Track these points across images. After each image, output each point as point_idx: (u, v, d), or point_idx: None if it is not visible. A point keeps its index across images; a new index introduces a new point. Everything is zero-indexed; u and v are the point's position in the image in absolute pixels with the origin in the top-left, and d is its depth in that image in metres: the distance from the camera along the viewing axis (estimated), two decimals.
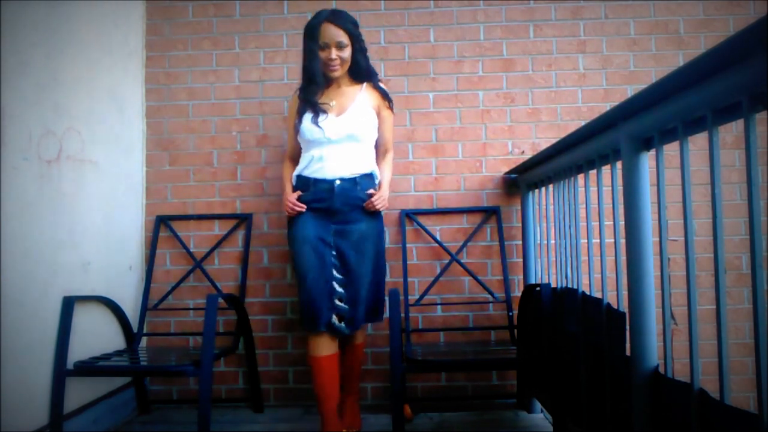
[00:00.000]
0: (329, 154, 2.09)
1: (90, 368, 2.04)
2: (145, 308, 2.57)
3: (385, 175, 2.22)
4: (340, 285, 2.03)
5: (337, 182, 2.07)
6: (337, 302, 2.02)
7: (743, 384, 2.29)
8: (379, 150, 2.23)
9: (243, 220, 2.68)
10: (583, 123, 1.61)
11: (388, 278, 2.46)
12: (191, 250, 2.67)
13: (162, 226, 2.69)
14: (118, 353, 2.25)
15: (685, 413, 1.06)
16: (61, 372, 1.99)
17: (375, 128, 2.17)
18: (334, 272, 2.03)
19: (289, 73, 2.72)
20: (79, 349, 2.11)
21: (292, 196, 2.11)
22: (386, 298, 2.19)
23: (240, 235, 2.68)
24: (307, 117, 2.10)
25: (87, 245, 2.22)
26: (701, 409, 1.02)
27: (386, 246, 2.45)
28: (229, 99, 2.73)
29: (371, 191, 2.13)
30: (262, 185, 2.70)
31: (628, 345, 1.30)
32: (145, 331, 2.56)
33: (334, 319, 2.00)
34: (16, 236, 1.83)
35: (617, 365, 1.38)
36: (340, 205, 2.06)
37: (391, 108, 2.23)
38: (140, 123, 2.72)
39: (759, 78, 0.83)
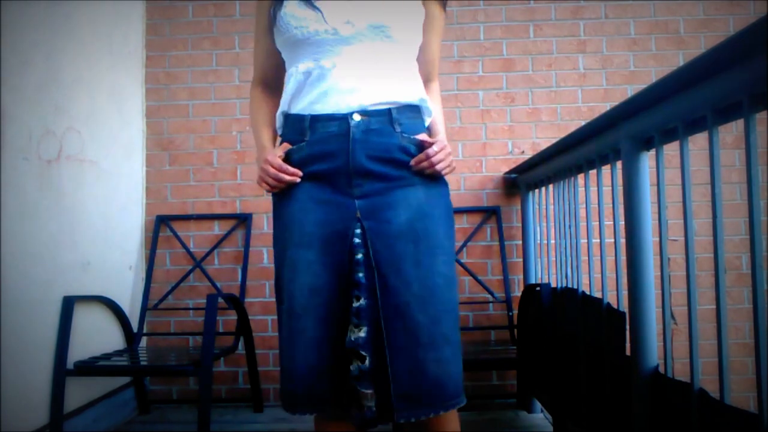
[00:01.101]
0: (338, 65, 1.16)
1: (90, 368, 2.03)
2: (145, 308, 2.56)
3: (439, 119, 1.34)
4: (357, 327, 1.10)
5: (356, 118, 1.15)
6: (356, 366, 1.09)
7: (743, 384, 2.29)
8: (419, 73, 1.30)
9: (243, 220, 2.68)
10: (583, 123, 1.61)
11: None
12: (191, 250, 2.66)
13: (162, 226, 2.69)
14: (118, 353, 2.25)
15: (685, 413, 1.06)
16: (61, 372, 1.99)
17: (419, 24, 1.26)
18: (355, 303, 1.11)
19: None
20: (79, 349, 2.11)
21: (272, 155, 1.20)
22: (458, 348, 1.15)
23: (240, 235, 2.68)
24: None
25: (87, 245, 2.22)
26: (701, 409, 1.02)
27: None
28: (229, 99, 2.73)
29: (423, 136, 1.20)
30: None
31: (628, 345, 1.30)
32: (145, 331, 2.56)
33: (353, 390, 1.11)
34: (16, 236, 1.83)
35: (617, 365, 1.38)
36: (363, 161, 1.14)
37: (443, 7, 1.34)
38: (140, 123, 2.71)
39: (759, 78, 0.83)
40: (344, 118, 1.15)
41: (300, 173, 1.18)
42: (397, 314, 1.08)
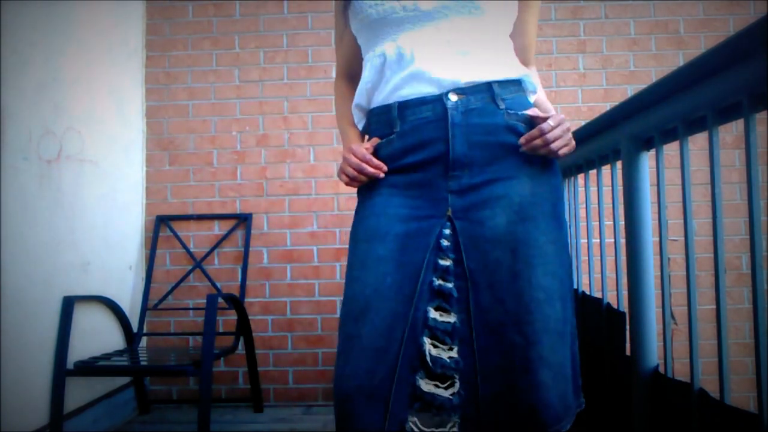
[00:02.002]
0: (422, 44, 1.01)
1: (90, 368, 2.03)
2: (145, 308, 2.56)
3: (541, 94, 1.15)
4: (444, 340, 0.95)
5: (452, 98, 1.00)
6: (430, 386, 0.94)
7: (743, 384, 2.29)
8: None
9: (243, 220, 2.68)
10: (583, 123, 1.61)
11: None
12: (191, 250, 2.66)
13: (162, 226, 2.69)
14: (118, 353, 2.25)
15: (685, 413, 1.06)
16: (61, 372, 1.99)
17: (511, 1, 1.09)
18: (435, 314, 0.96)
19: (289, 73, 2.72)
20: (79, 349, 2.11)
21: (360, 147, 1.05)
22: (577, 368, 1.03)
23: (240, 235, 2.68)
24: None
25: (87, 245, 2.22)
26: (701, 409, 1.02)
27: None
28: (229, 99, 2.73)
29: (533, 111, 1.04)
30: (262, 185, 2.70)
31: (628, 345, 1.30)
32: (145, 331, 2.56)
33: (414, 424, 0.93)
34: (16, 236, 1.83)
35: (617, 365, 1.38)
36: (465, 148, 0.99)
37: None
38: (140, 123, 2.71)
39: (759, 78, 0.83)
40: (438, 99, 0.99)
41: (385, 167, 1.03)
42: (490, 335, 0.94)
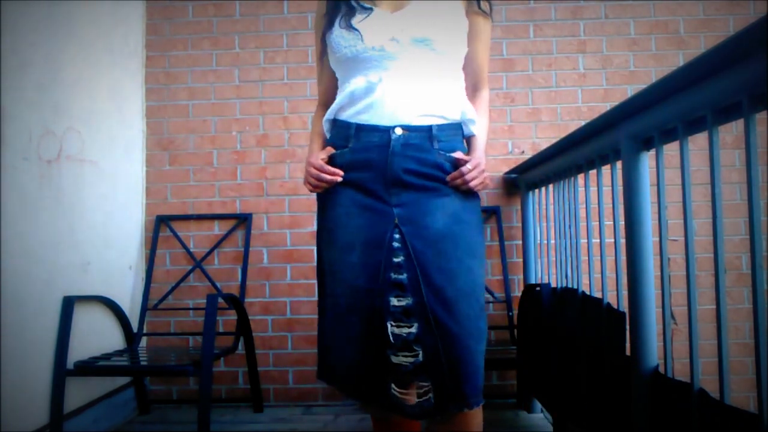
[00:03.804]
0: (385, 79, 1.24)
1: (90, 368, 2.03)
2: (145, 308, 2.57)
3: (480, 131, 1.34)
4: (405, 324, 1.16)
5: (397, 132, 1.23)
6: (399, 358, 1.15)
7: (743, 384, 2.29)
8: (466, 83, 1.37)
9: (243, 220, 2.68)
10: (583, 123, 1.61)
11: None
12: (191, 250, 2.66)
13: (162, 226, 2.69)
14: (118, 353, 2.25)
15: (685, 413, 1.06)
16: (61, 372, 1.99)
17: (463, 36, 1.32)
18: (394, 301, 1.16)
19: (289, 73, 2.72)
20: (79, 349, 2.11)
21: (314, 157, 1.30)
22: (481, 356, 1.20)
23: (240, 235, 2.68)
24: (340, 20, 1.29)
25: (87, 245, 2.22)
26: (701, 409, 1.02)
27: None
28: (229, 99, 2.73)
29: (458, 154, 1.26)
30: (262, 185, 2.70)
31: (628, 345, 1.30)
32: (145, 331, 2.56)
33: (394, 389, 1.17)
34: (16, 236, 1.83)
35: (617, 365, 1.38)
36: (400, 173, 1.22)
37: (488, 14, 1.36)
38: (140, 123, 2.71)
39: (759, 78, 0.83)
40: (386, 131, 1.24)
41: (340, 173, 1.27)
42: (446, 308, 1.15)
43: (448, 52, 1.27)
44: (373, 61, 1.25)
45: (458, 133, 1.30)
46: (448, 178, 1.24)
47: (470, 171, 1.23)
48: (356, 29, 1.25)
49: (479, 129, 1.34)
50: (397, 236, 1.19)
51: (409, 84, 1.24)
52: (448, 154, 1.25)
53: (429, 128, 1.24)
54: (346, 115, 1.29)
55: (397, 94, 1.24)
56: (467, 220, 1.23)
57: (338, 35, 1.28)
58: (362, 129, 1.26)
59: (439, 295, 1.15)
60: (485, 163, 1.29)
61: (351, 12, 1.28)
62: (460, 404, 1.13)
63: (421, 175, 1.22)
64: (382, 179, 1.23)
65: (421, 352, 1.14)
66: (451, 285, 1.16)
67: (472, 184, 1.24)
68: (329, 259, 1.27)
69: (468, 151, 1.33)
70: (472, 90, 1.38)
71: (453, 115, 1.28)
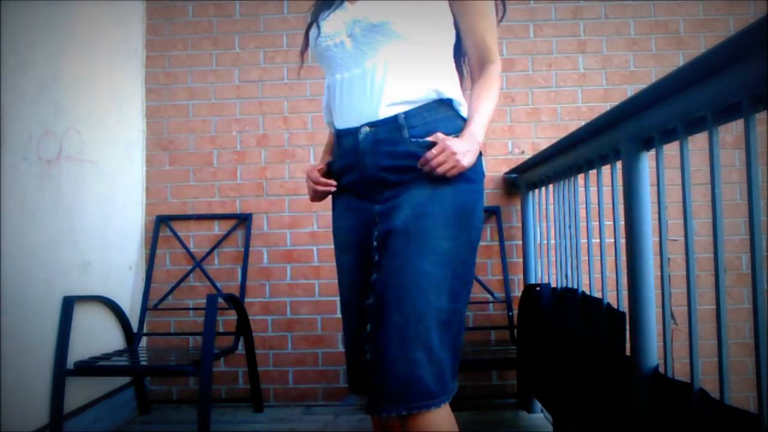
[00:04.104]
0: (347, 77, 1.21)
1: (90, 368, 2.03)
2: (145, 308, 2.57)
3: (478, 104, 1.21)
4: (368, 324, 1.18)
5: (364, 131, 1.18)
6: (370, 354, 1.15)
7: (743, 384, 2.29)
8: (470, 63, 1.28)
9: (243, 220, 2.68)
10: (583, 123, 1.61)
11: None
12: (191, 250, 2.66)
13: (162, 226, 2.69)
14: (118, 353, 2.25)
15: (685, 413, 1.06)
16: (61, 372, 1.99)
17: (437, 13, 1.21)
18: (370, 299, 1.19)
19: (289, 73, 2.72)
20: (79, 349, 2.11)
21: (310, 168, 1.31)
22: (449, 357, 1.12)
23: (240, 235, 2.68)
24: (313, 18, 1.28)
25: (87, 245, 2.22)
26: (701, 409, 1.02)
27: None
28: (229, 99, 2.73)
29: (436, 135, 1.16)
30: (262, 185, 2.70)
31: (628, 345, 1.30)
32: (145, 331, 2.56)
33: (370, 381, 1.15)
34: (16, 236, 1.83)
35: (617, 365, 1.38)
36: (376, 172, 1.18)
37: None
38: (140, 123, 2.71)
39: (759, 78, 0.83)
40: (355, 132, 1.19)
41: (333, 183, 1.27)
42: (379, 312, 1.10)
43: (412, 33, 1.16)
44: (336, 59, 1.21)
45: (440, 114, 1.18)
46: (419, 163, 1.14)
47: (435, 155, 1.11)
48: (319, 26, 1.23)
49: (473, 107, 1.21)
50: (375, 234, 1.18)
51: (370, 76, 1.17)
52: (422, 140, 1.15)
53: (394, 118, 1.16)
54: (333, 119, 1.28)
55: (359, 90, 1.18)
56: (432, 213, 1.12)
57: (311, 33, 1.27)
58: (340, 134, 1.24)
59: (378, 296, 1.11)
60: (480, 143, 1.16)
61: (320, 9, 1.26)
62: (377, 408, 1.07)
63: (396, 170, 1.16)
64: (362, 181, 1.20)
65: (368, 352, 1.14)
66: (387, 289, 1.10)
67: (440, 169, 1.11)
68: (336, 261, 1.31)
69: (464, 130, 1.18)
70: (479, 67, 1.25)
71: (425, 96, 1.17)
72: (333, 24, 1.21)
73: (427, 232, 1.11)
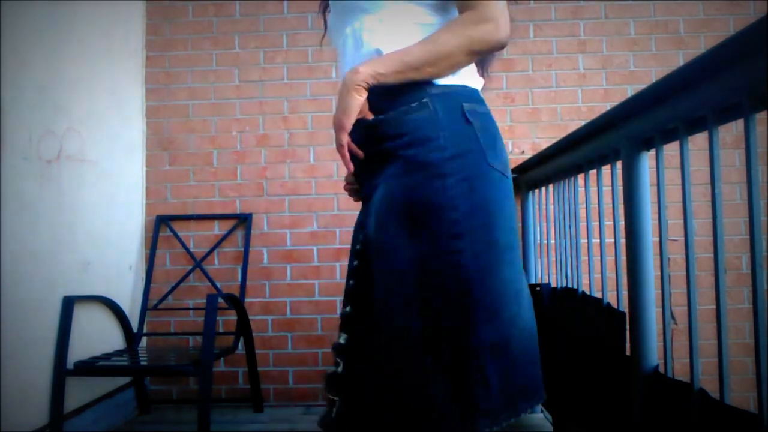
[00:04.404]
0: (341, 48, 1.09)
1: (90, 368, 2.03)
2: (145, 308, 2.56)
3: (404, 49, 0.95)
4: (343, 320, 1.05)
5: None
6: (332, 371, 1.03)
7: (743, 384, 2.29)
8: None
9: (243, 220, 2.68)
10: (583, 123, 1.61)
11: None
12: (191, 250, 2.66)
13: (162, 226, 2.69)
14: (118, 353, 2.25)
15: (685, 413, 1.06)
16: (61, 372, 1.99)
17: None
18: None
19: (289, 73, 2.72)
20: (79, 349, 2.11)
21: (348, 175, 1.16)
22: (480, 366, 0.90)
23: (240, 235, 2.68)
24: None
25: (87, 245, 2.22)
26: (701, 409, 1.02)
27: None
28: (229, 99, 2.73)
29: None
30: (262, 185, 2.70)
31: (628, 345, 1.30)
32: (145, 331, 2.56)
33: None
34: (16, 236, 1.83)
35: (617, 365, 1.38)
36: (356, 162, 1.04)
37: None
38: (140, 123, 2.71)
39: (759, 78, 0.83)
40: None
41: (360, 153, 1.03)
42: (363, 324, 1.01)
43: (377, 6, 0.99)
44: (342, 56, 1.08)
45: (403, 87, 0.95)
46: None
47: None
48: (325, 23, 1.14)
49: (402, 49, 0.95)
50: (360, 237, 1.06)
51: (349, 55, 1.04)
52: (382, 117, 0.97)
53: (367, 100, 0.96)
54: None
55: (343, 67, 1.06)
56: (386, 220, 0.95)
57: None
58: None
59: (357, 311, 1.03)
60: (354, 82, 0.94)
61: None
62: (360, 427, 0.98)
63: (366, 159, 1.01)
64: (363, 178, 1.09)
65: (341, 364, 1.03)
66: (379, 278, 0.99)
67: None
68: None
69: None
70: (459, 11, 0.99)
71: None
72: (332, 19, 1.13)
73: (382, 245, 0.97)
